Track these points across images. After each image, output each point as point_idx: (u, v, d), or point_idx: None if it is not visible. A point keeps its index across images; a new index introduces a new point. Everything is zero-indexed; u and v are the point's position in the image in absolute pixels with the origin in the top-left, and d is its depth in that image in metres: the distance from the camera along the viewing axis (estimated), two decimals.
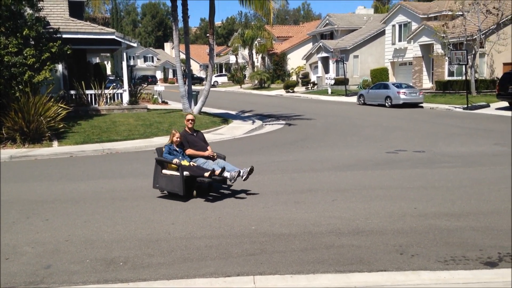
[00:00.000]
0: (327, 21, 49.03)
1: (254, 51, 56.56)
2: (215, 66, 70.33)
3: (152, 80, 66.16)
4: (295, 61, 52.57)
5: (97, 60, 55.36)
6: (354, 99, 31.74)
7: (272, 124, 20.61)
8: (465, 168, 10.11)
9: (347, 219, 6.50)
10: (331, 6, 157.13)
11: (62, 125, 15.49)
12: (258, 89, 49.97)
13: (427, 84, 35.28)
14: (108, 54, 52.82)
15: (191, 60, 23.70)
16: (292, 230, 6.07)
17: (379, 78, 36.63)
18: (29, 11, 15.93)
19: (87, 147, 14.09)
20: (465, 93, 25.45)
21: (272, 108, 27.49)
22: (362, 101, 29.20)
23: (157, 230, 6.23)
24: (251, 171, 7.75)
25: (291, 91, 43.07)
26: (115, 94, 20.86)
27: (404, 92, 26.34)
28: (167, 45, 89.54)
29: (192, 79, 35.73)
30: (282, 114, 24.24)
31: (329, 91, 38.59)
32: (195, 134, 8.46)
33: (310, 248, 5.45)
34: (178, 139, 8.07)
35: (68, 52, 16.49)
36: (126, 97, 20.70)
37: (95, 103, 20.00)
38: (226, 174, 7.60)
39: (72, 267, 5.03)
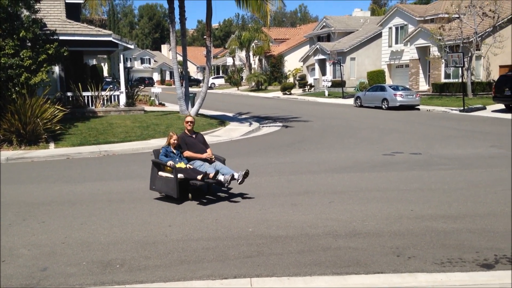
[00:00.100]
0: (324, 24, 49.19)
1: (251, 53, 56.65)
2: (212, 68, 70.35)
3: (149, 82, 66.14)
4: (292, 63, 52.64)
5: (94, 62, 55.35)
6: (351, 101, 31.80)
7: (269, 126, 20.62)
8: (462, 170, 10.14)
9: (344, 221, 6.51)
10: (328, 9, 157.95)
11: (58, 127, 15.46)
12: (255, 91, 49.99)
13: (423, 86, 35.39)
14: (105, 56, 52.89)
15: (188, 62, 23.68)
16: (289, 232, 6.08)
17: (376, 80, 36.76)
18: (26, 13, 15.88)
19: (84, 149, 14.06)
20: (461, 96, 25.57)
21: (269, 110, 27.52)
22: (359, 103, 29.25)
23: (154, 232, 6.22)
24: (246, 174, 7.64)
25: (288, 93, 43.13)
26: (112, 96, 20.82)
27: (401, 95, 26.41)
28: (164, 47, 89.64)
29: (189, 81, 35.80)
30: (279, 116, 24.26)
31: (326, 93, 38.69)
32: (194, 136, 8.43)
33: (307, 250, 5.45)
34: (176, 141, 8.05)
35: (65, 54, 16.44)
36: (123, 99, 20.67)
37: (92, 105, 19.94)
38: (220, 177, 7.52)
39: (69, 270, 5.01)
